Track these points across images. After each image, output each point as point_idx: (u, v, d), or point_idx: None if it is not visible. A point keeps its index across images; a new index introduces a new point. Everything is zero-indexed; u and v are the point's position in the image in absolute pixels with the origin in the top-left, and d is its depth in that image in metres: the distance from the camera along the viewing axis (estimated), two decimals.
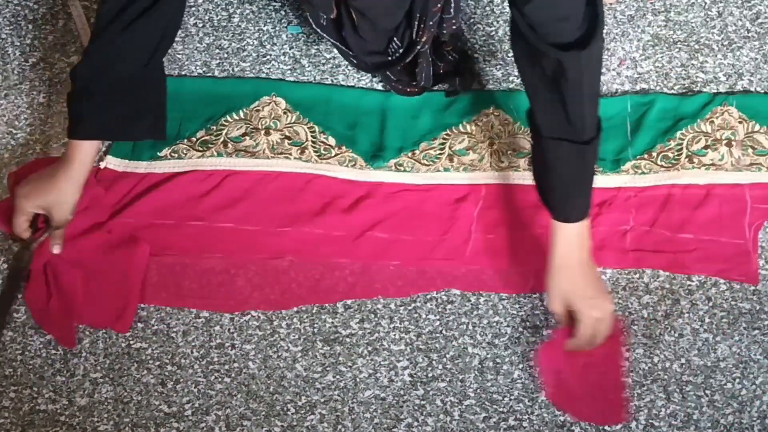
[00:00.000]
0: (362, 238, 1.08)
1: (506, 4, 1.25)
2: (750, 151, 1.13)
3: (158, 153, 1.14)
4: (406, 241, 1.08)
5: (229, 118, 1.16)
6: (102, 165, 1.13)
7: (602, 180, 1.11)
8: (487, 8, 1.25)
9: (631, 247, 1.08)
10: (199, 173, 1.12)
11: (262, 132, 1.15)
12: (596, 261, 1.06)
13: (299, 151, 1.14)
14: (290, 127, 1.16)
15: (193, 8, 1.25)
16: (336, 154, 1.14)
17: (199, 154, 1.14)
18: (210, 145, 1.14)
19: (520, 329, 1.05)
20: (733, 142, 1.14)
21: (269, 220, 1.09)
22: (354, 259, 1.08)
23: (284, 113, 1.17)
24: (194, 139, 1.15)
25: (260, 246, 1.08)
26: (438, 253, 1.08)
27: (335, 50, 1.22)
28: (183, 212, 1.10)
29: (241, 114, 1.17)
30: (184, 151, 1.14)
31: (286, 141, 1.15)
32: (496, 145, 1.14)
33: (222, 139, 1.15)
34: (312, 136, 1.15)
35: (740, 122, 1.15)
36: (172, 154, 1.14)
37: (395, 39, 1.06)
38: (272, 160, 1.13)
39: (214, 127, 1.16)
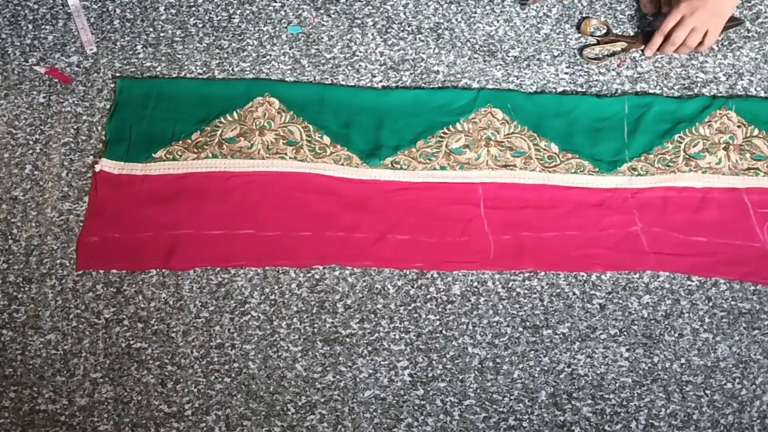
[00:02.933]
0: (384, 240, 1.09)
1: (506, 3, 1.25)
2: (748, 155, 1.13)
3: (153, 155, 1.14)
4: (428, 243, 1.09)
5: (223, 119, 1.16)
6: (98, 168, 1.13)
7: (598, 180, 1.12)
8: (487, 8, 1.25)
9: (651, 250, 1.08)
10: (200, 176, 1.13)
11: (257, 132, 1.15)
12: (615, 264, 1.07)
13: (294, 150, 1.14)
14: (285, 126, 1.16)
15: (193, 8, 1.26)
16: (331, 153, 1.14)
17: (194, 155, 1.14)
18: (205, 147, 1.15)
19: (520, 329, 1.05)
20: (731, 146, 1.14)
21: (263, 222, 1.10)
22: (377, 262, 1.08)
23: (278, 113, 1.17)
24: (189, 141, 1.15)
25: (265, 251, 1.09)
26: (462, 256, 1.08)
27: (335, 50, 1.22)
28: (202, 220, 1.10)
29: (235, 115, 1.17)
30: (179, 153, 1.14)
31: (281, 141, 1.15)
32: (492, 144, 1.15)
33: (217, 140, 1.15)
34: (307, 135, 1.15)
35: (739, 126, 1.15)
36: (167, 156, 1.14)
37: None
38: (267, 161, 1.13)
39: (209, 129, 1.16)
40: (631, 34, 1.24)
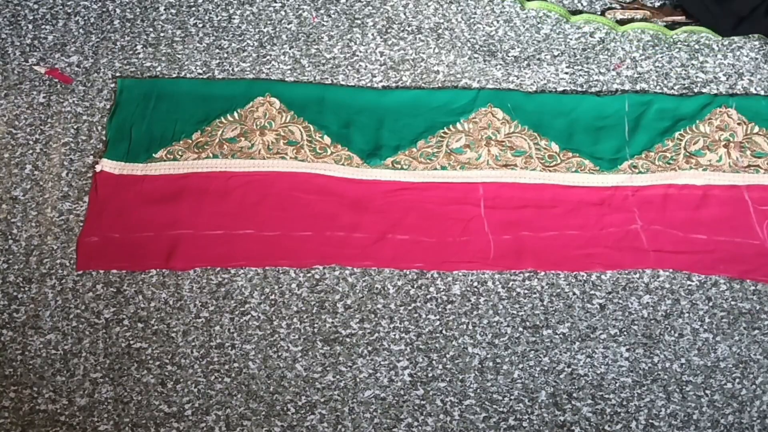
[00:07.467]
0: (384, 240, 1.09)
1: (506, 3, 1.25)
2: (748, 152, 1.13)
3: (154, 155, 1.14)
4: (428, 243, 1.09)
5: (223, 119, 1.17)
6: (98, 168, 1.13)
7: (599, 179, 1.12)
8: (487, 8, 1.25)
9: (650, 248, 1.08)
10: (200, 176, 1.13)
11: (257, 132, 1.15)
12: (615, 263, 1.07)
13: (295, 150, 1.14)
14: (285, 126, 1.16)
15: (193, 8, 1.26)
16: (331, 153, 1.14)
17: (195, 155, 1.14)
18: (205, 147, 1.15)
19: (520, 329, 1.05)
20: (732, 144, 1.14)
21: (263, 222, 1.10)
22: (377, 262, 1.08)
23: (279, 113, 1.17)
24: (189, 141, 1.15)
25: (280, 251, 1.09)
26: (462, 256, 1.08)
27: (335, 50, 1.22)
28: (202, 220, 1.10)
29: (236, 115, 1.17)
30: (180, 153, 1.14)
31: (282, 141, 1.15)
32: (493, 143, 1.15)
33: (217, 140, 1.15)
34: (307, 135, 1.15)
35: (739, 124, 1.15)
36: (168, 156, 1.14)
37: None
38: (268, 161, 1.13)
39: (209, 129, 1.16)
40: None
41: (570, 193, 1.11)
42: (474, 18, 1.25)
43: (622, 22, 1.23)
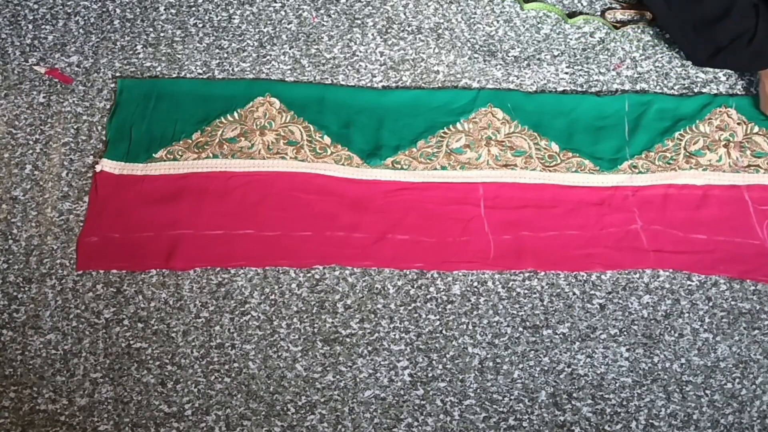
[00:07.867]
0: (384, 240, 1.09)
1: (506, 3, 1.25)
2: (748, 152, 1.13)
3: (154, 155, 1.14)
4: (428, 243, 1.09)
5: (223, 119, 1.17)
6: (98, 168, 1.13)
7: (599, 179, 1.12)
8: (487, 8, 1.25)
9: (650, 248, 1.08)
10: (200, 176, 1.13)
11: (257, 132, 1.15)
12: (615, 263, 1.07)
13: (295, 150, 1.14)
14: (285, 126, 1.16)
15: (193, 8, 1.26)
16: (331, 153, 1.14)
17: (195, 155, 1.14)
18: (206, 147, 1.15)
19: (520, 329, 1.05)
20: (731, 144, 1.14)
21: (263, 222, 1.10)
22: (377, 262, 1.08)
23: (279, 113, 1.17)
24: (190, 141, 1.15)
25: (281, 250, 1.09)
26: (462, 256, 1.08)
27: (335, 50, 1.22)
28: (202, 220, 1.10)
29: (236, 115, 1.17)
30: (180, 153, 1.14)
31: (282, 141, 1.15)
32: (493, 143, 1.15)
33: (217, 140, 1.15)
34: (307, 135, 1.15)
35: (739, 124, 1.15)
36: (168, 156, 1.14)
37: None
38: (268, 161, 1.13)
39: (209, 129, 1.16)
40: None
41: (570, 193, 1.11)
42: (474, 18, 1.25)
43: (622, 22, 1.23)
